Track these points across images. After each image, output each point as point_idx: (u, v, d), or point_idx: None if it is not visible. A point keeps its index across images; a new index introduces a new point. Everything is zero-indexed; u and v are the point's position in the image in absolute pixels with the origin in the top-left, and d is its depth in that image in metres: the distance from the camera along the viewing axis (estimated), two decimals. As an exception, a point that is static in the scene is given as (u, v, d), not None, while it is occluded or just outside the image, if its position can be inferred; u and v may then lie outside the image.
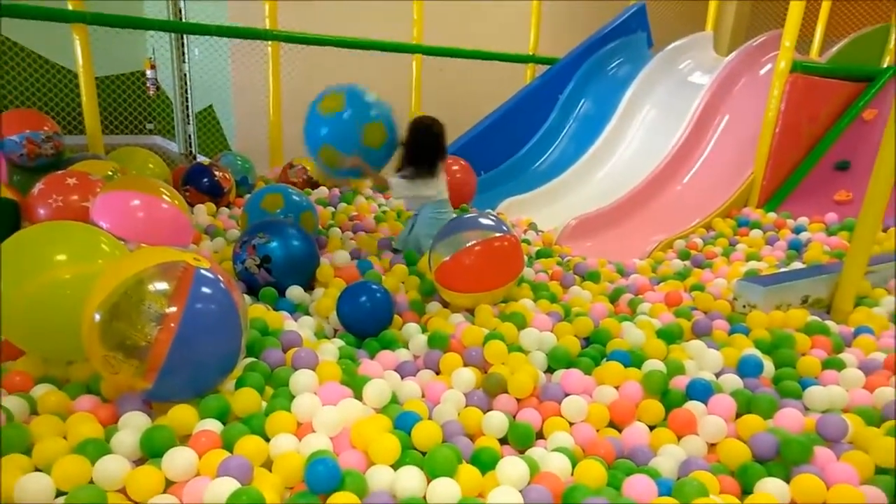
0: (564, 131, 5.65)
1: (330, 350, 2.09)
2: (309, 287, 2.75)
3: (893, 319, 2.72)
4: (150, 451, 1.50)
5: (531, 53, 5.95)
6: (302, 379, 1.75)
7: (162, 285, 1.56)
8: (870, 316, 2.72)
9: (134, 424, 1.58)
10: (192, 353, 1.57)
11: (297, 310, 2.58)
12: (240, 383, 1.76)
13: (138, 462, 1.52)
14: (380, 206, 4.14)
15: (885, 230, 3.69)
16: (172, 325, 1.53)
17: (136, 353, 1.52)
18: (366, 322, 2.37)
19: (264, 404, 1.71)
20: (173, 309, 1.54)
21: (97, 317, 1.55)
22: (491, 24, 6.43)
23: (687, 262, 3.64)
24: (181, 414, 1.60)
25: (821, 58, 5.09)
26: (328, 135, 2.93)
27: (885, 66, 5.07)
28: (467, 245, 2.50)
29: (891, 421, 1.82)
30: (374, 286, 2.43)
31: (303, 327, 2.35)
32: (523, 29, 5.96)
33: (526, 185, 4.97)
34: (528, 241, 3.78)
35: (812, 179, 4.37)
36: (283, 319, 2.29)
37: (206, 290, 1.61)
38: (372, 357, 2.16)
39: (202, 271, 1.63)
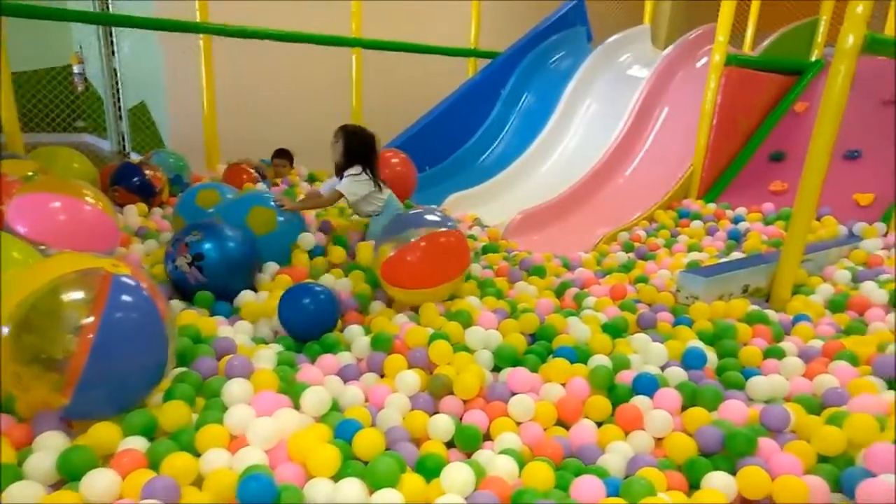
0: (508, 125, 5.64)
1: (267, 356, 1.99)
2: (253, 288, 2.64)
3: (828, 306, 2.79)
4: (68, 473, 1.39)
5: (472, 48, 5.91)
6: (235, 389, 1.65)
7: (78, 294, 1.45)
8: (807, 304, 2.78)
9: (50, 445, 1.46)
10: (111, 366, 1.46)
11: (234, 313, 2.47)
12: (168, 396, 1.65)
13: (56, 486, 1.40)
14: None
15: (819, 219, 3.81)
16: (90, 335, 1.42)
17: (52, 367, 1.41)
18: (308, 325, 2.28)
19: (195, 417, 1.61)
20: (90, 319, 1.43)
21: (5, 330, 1.42)
22: (432, 18, 6.37)
23: (631, 255, 3.67)
24: (102, 432, 1.49)
25: (753, 51, 5.21)
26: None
27: (813, 59, 5.22)
28: (412, 241, 2.45)
29: (831, 408, 1.85)
30: (317, 288, 2.36)
31: (240, 332, 2.25)
32: (465, 23, 5.92)
33: (471, 181, 4.94)
34: (473, 237, 3.74)
35: (749, 170, 4.47)
36: (217, 325, 2.18)
37: (125, 297, 1.50)
38: (313, 362, 2.07)
39: (121, 278, 1.51)
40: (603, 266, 3.45)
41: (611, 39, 5.46)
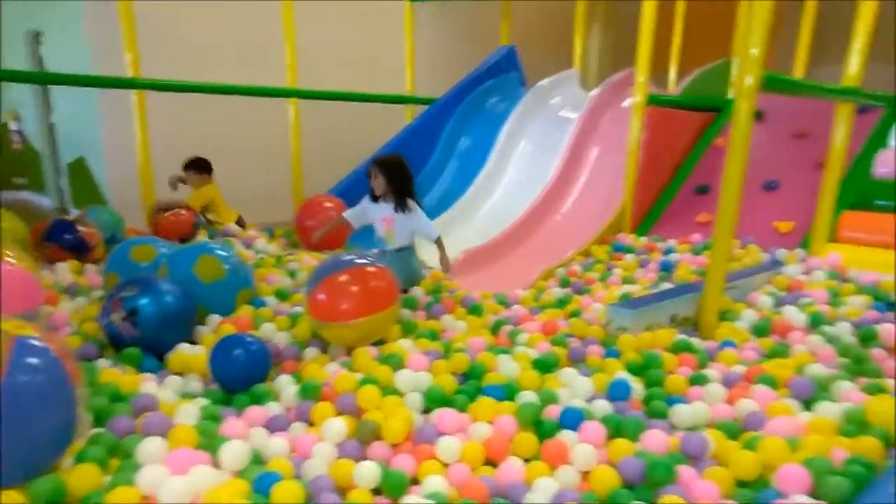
0: (448, 169, 5.75)
1: (190, 411, 1.94)
2: (192, 341, 2.61)
3: (753, 331, 2.89)
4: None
5: (409, 94, 6.05)
6: (149, 447, 1.61)
7: (-22, 358, 1.40)
8: (733, 330, 2.87)
9: (-51, 520, 1.39)
10: (14, 431, 1.40)
11: (164, 367, 2.42)
12: (79, 459, 1.60)
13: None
14: (257, 253, 4.01)
15: (743, 247, 3.96)
16: (-9, 401, 1.37)
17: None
18: (239, 376, 2.24)
19: (108, 479, 1.56)
20: (-9, 384, 1.38)
21: None
22: (368, 66, 6.51)
23: (567, 290, 3.74)
24: (8, 500, 1.43)
25: (674, 90, 5.47)
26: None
27: (730, 96, 5.51)
28: (335, 273, 2.52)
29: (749, 433, 1.91)
30: (248, 339, 2.34)
31: (167, 388, 2.20)
32: (400, 70, 6.07)
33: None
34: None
35: (677, 203, 4.64)
36: (140, 382, 2.13)
37: (30, 360, 1.46)
38: (240, 414, 2.04)
39: (26, 340, 1.47)
40: (540, 302, 3.50)
41: (541, 83, 5.66)
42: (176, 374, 2.37)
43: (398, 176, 3.34)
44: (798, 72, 5.14)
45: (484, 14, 6.88)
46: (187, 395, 2.21)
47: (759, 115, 4.75)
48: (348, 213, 3.58)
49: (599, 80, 5.71)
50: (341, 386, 2.09)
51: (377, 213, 3.44)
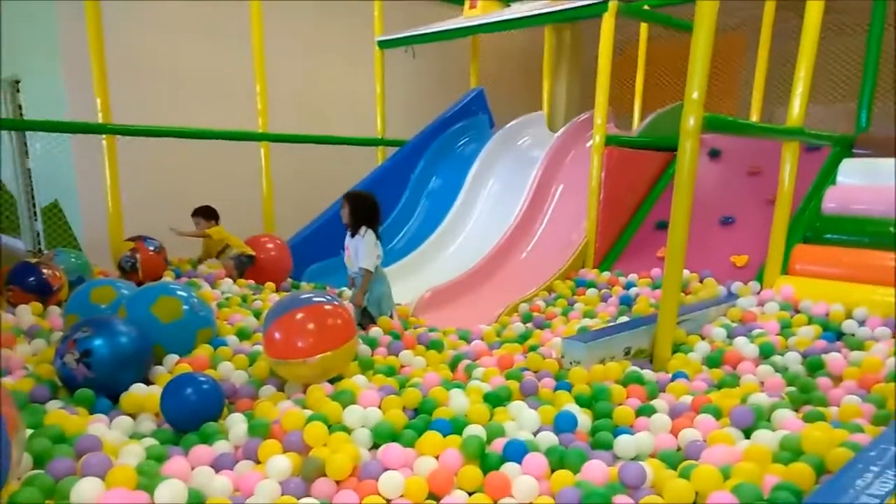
0: (418, 208, 5.83)
1: (134, 451, 1.94)
2: (147, 381, 2.61)
3: (706, 363, 2.95)
4: None
5: (380, 137, 6.17)
6: (85, 488, 1.61)
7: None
8: (685, 362, 2.93)
9: None
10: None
11: (117, 408, 2.42)
12: (11, 502, 1.59)
13: None
14: (223, 293, 4.03)
15: (701, 281, 4.05)
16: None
17: None
18: (190, 415, 2.25)
19: (43, 521, 1.56)
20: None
21: None
22: (339, 109, 6.63)
23: (529, 325, 3.79)
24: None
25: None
26: None
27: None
28: (290, 311, 2.54)
29: (687, 461, 1.94)
30: (200, 378, 2.35)
31: (116, 428, 2.20)
32: (371, 113, 6.19)
33: (384, 262, 5.01)
34: (383, 316, 3.79)
35: (638, 239, 4.74)
36: (87, 423, 2.13)
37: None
38: (187, 453, 2.04)
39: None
40: (502, 337, 3.54)
41: (509, 125, 5.80)
42: (128, 414, 2.37)
43: (361, 207, 3.56)
44: (755, 112, 5.31)
45: (453, 57, 7.06)
46: (136, 436, 2.20)
47: (716, 153, 4.91)
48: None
49: (566, 121, 5.86)
50: (289, 423, 2.10)
51: (346, 242, 3.64)
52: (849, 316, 3.30)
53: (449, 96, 6.33)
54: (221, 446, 2.08)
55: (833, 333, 3.18)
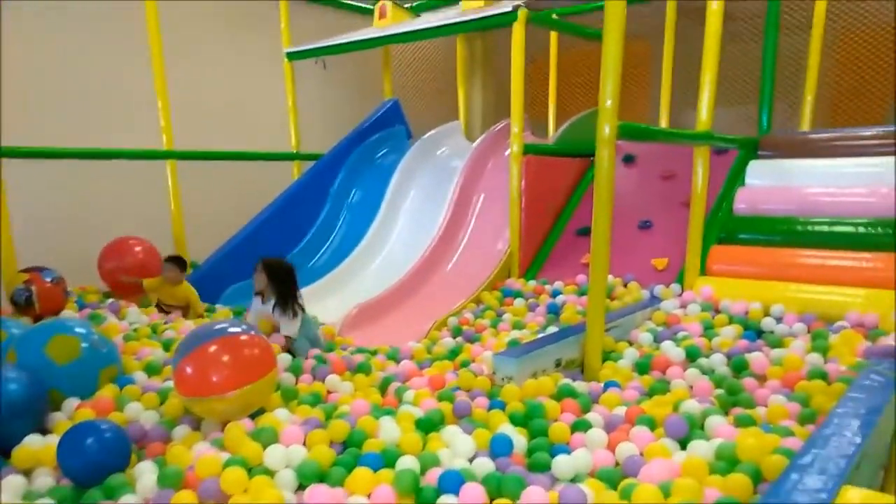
0: (340, 222, 5.67)
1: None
2: (43, 430, 2.36)
3: (635, 369, 2.95)
4: None
5: (295, 151, 5.97)
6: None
7: None
8: (616, 370, 2.92)
9: None
10: None
11: (7, 464, 2.16)
12: None
13: None
14: (130, 324, 3.75)
15: (625, 285, 4.09)
16: None
17: None
18: (92, 468, 2.03)
19: None
20: None
21: None
22: (253, 123, 6.38)
23: (459, 339, 3.72)
24: None
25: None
26: None
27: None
28: (202, 344, 2.36)
29: (627, 479, 1.90)
30: (102, 425, 2.14)
31: (6, 490, 1.96)
32: (285, 127, 5.99)
33: (307, 279, 4.83)
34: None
35: (561, 246, 4.76)
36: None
37: None
38: (88, 512, 1.83)
39: None
40: (432, 354, 3.45)
41: (426, 135, 5.73)
42: (21, 471, 2.12)
43: (278, 275, 3.37)
44: (664, 118, 5.46)
45: (368, 69, 6.95)
46: (30, 496, 1.97)
47: (631, 159, 5.01)
48: (251, 318, 3.50)
49: (483, 130, 5.85)
50: (204, 470, 1.93)
51: (263, 310, 3.41)
52: (766, 313, 3.40)
53: (365, 108, 6.21)
54: (128, 500, 1.89)
55: (753, 332, 3.26)
